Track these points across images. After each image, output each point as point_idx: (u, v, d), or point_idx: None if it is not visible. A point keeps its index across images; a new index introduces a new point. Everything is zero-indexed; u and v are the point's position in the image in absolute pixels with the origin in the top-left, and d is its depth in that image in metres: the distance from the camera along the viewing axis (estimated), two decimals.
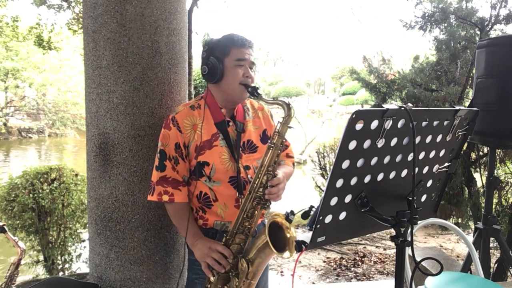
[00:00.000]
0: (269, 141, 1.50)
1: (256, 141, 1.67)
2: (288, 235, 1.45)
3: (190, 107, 1.61)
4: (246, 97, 1.61)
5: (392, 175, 1.20)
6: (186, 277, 1.76)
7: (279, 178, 1.50)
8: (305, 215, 1.36)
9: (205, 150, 1.56)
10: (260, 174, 1.48)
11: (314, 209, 1.36)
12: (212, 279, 1.52)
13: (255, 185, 1.48)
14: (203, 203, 1.61)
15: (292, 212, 1.44)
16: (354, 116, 1.00)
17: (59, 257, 3.57)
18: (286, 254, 1.43)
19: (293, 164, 1.85)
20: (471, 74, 4.13)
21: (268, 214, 1.53)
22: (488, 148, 2.55)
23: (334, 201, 1.11)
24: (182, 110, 1.60)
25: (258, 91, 1.54)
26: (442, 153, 1.31)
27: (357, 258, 4.43)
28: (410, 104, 1.10)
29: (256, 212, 1.49)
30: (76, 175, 3.64)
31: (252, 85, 1.56)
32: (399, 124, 1.11)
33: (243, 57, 1.55)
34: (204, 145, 1.56)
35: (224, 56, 1.55)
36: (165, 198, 1.58)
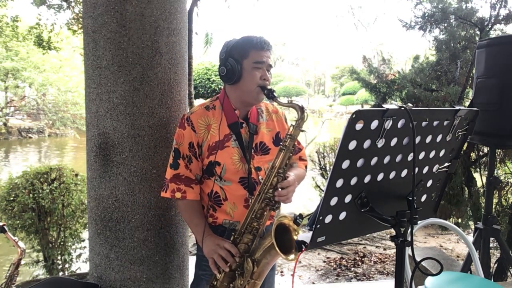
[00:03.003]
0: (281, 143, 1.52)
1: (268, 143, 1.68)
2: (295, 238, 1.46)
3: (205, 108, 1.64)
4: (262, 99, 1.63)
5: (392, 175, 1.20)
6: (187, 275, 1.76)
7: (289, 181, 1.51)
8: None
9: (217, 150, 1.59)
10: (270, 176, 1.49)
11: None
12: (218, 276, 1.54)
13: (265, 186, 1.50)
14: (213, 201, 1.64)
15: (300, 216, 1.45)
16: (354, 116, 1.00)
17: (59, 257, 3.56)
18: (292, 256, 1.43)
19: (306, 167, 1.86)
20: (471, 74, 4.13)
21: (277, 215, 1.53)
22: (488, 148, 2.55)
23: (334, 201, 1.11)
24: (197, 110, 1.63)
25: (274, 93, 1.56)
26: (442, 153, 1.31)
27: (357, 258, 4.42)
28: (410, 104, 1.09)
29: (265, 213, 1.51)
30: (76, 175, 3.64)
31: (268, 87, 1.58)
32: (399, 124, 1.11)
33: (261, 59, 1.57)
34: (217, 145, 1.59)
35: (242, 58, 1.56)
36: (178, 195, 1.61)
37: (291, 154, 1.51)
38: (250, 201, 1.59)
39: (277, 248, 1.39)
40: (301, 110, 1.49)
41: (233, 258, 1.51)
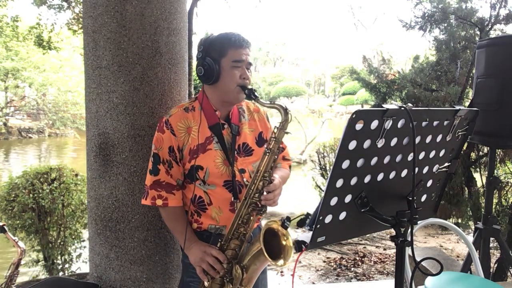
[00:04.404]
0: (265, 146, 1.47)
1: (251, 144, 1.63)
2: (284, 243, 1.43)
3: (184, 109, 1.57)
4: (242, 99, 1.58)
5: (392, 175, 1.20)
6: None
7: (275, 184, 1.47)
8: (301, 222, 1.36)
9: (199, 154, 1.53)
10: (256, 180, 1.45)
11: (310, 217, 1.37)
12: (206, 284, 1.50)
13: (251, 190, 1.45)
14: (197, 206, 1.59)
15: (288, 219, 1.41)
16: (354, 116, 1.00)
17: (59, 257, 3.57)
18: (281, 262, 1.41)
19: (290, 167, 1.82)
20: (471, 74, 4.13)
21: (268, 217, 1.51)
22: (488, 148, 2.55)
23: (334, 201, 1.11)
24: (176, 112, 1.56)
25: (255, 93, 1.50)
26: (442, 153, 1.31)
27: (357, 258, 4.43)
28: (410, 104, 1.09)
29: (251, 217, 1.47)
30: (76, 175, 3.64)
31: (249, 87, 1.53)
32: (399, 124, 1.11)
33: (240, 58, 1.51)
34: (198, 149, 1.53)
35: (220, 57, 1.50)
36: (159, 202, 1.55)
37: (276, 157, 1.46)
38: (235, 204, 1.54)
39: (266, 254, 1.36)
40: (284, 111, 1.44)
41: (221, 265, 1.46)
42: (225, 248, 1.49)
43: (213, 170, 1.53)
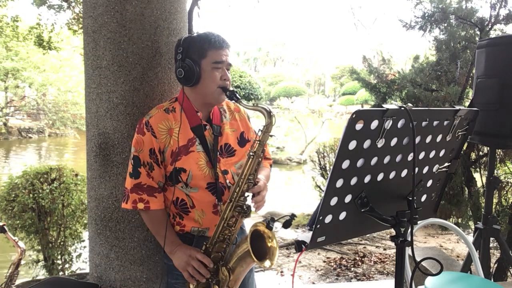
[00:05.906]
0: (250, 149, 1.46)
1: (233, 144, 1.62)
2: (269, 244, 1.43)
3: (165, 110, 1.54)
4: (223, 100, 1.57)
5: (392, 175, 1.20)
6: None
7: (260, 185, 1.47)
8: (286, 223, 1.37)
9: (182, 156, 1.51)
10: (240, 183, 1.44)
11: (295, 218, 1.38)
12: (191, 286, 1.51)
13: (236, 193, 1.45)
14: (180, 209, 1.57)
15: (272, 219, 1.42)
16: (354, 116, 1.00)
17: (59, 257, 3.57)
18: (267, 263, 1.41)
19: (271, 165, 1.82)
20: (471, 74, 4.13)
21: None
22: (488, 148, 2.55)
23: (334, 201, 1.11)
24: (156, 113, 1.53)
25: (237, 95, 1.49)
26: (442, 153, 1.31)
27: (357, 258, 4.43)
28: (410, 104, 1.10)
29: (237, 220, 1.46)
30: (76, 175, 3.64)
31: (230, 88, 1.52)
32: (399, 124, 1.11)
33: (221, 59, 1.50)
34: (181, 151, 1.51)
35: (200, 58, 1.49)
36: (140, 206, 1.53)
37: (260, 160, 1.46)
38: (220, 207, 1.53)
39: (253, 256, 1.36)
40: (268, 114, 1.43)
41: (206, 269, 1.46)
42: (210, 251, 1.48)
43: (196, 172, 1.51)
